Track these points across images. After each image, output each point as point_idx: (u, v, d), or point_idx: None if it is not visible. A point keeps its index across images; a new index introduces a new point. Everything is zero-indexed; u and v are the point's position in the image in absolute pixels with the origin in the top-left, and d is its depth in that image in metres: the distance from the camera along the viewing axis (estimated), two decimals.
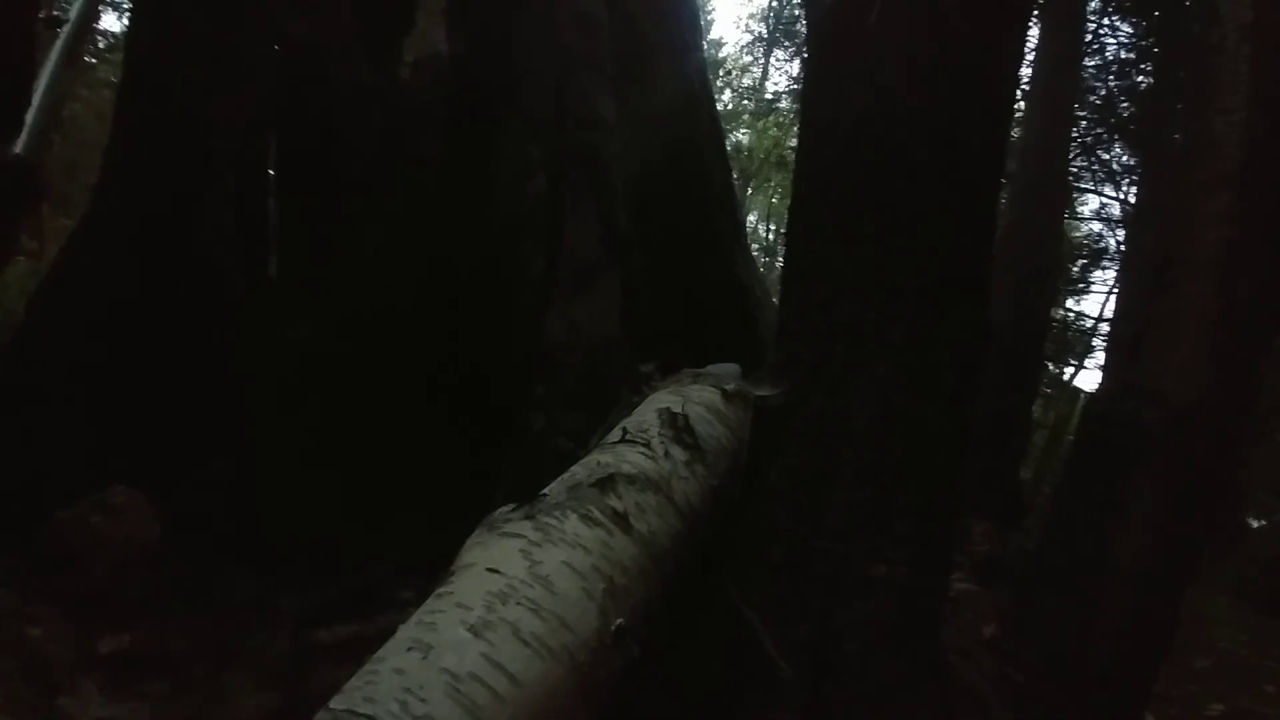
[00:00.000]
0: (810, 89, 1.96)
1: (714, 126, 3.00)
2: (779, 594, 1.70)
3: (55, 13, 6.29)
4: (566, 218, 2.29)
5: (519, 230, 2.46)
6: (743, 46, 13.26)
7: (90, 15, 6.67)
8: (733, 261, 2.77)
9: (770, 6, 12.43)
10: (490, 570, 1.06)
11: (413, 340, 2.55)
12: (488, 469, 2.22)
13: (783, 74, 12.57)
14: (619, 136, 2.39)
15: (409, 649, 0.93)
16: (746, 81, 13.11)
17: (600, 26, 2.43)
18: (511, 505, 1.22)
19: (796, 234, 1.90)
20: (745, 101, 12.85)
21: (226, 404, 2.52)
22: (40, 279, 2.87)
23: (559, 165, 2.39)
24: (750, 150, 11.36)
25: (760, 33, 12.65)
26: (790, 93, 11.69)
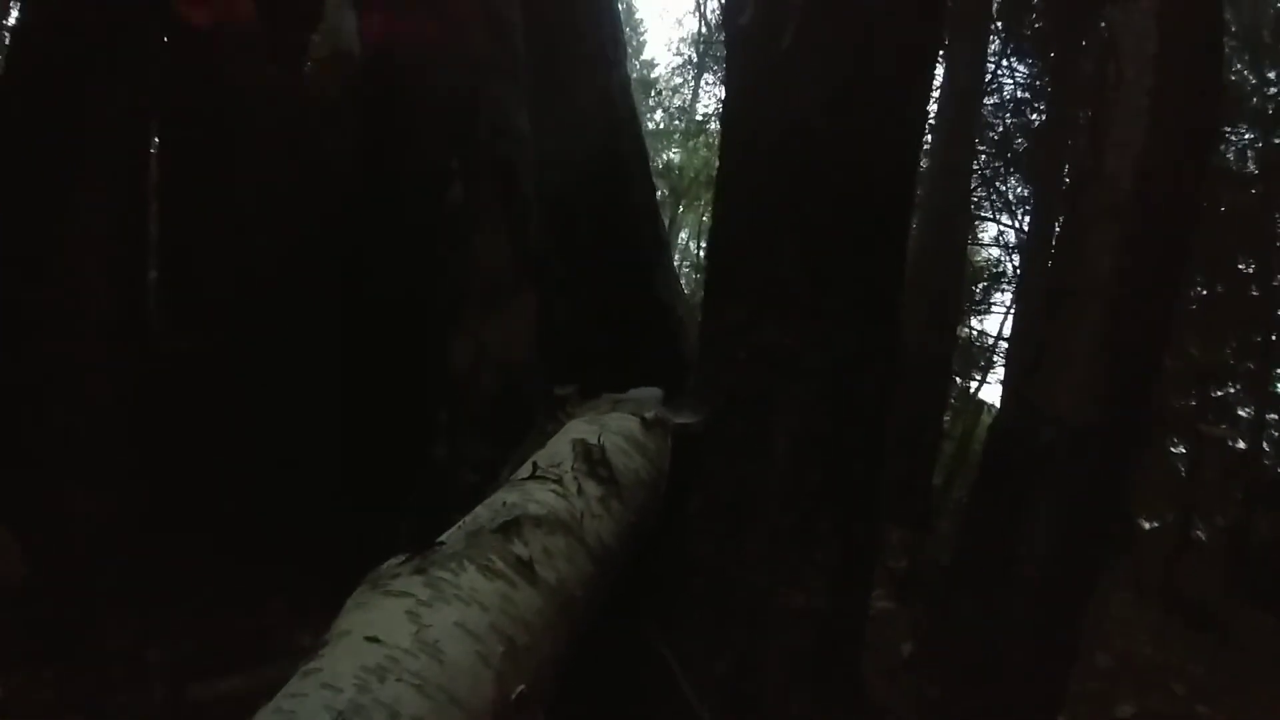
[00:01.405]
0: (729, 110, 1.94)
1: (637, 143, 2.95)
2: (699, 629, 1.64)
3: None
4: (476, 232, 2.16)
5: (433, 242, 2.31)
6: (674, 69, 13.50)
7: None
8: (654, 280, 2.71)
9: (700, 31, 12.71)
10: (369, 639, 0.93)
11: (314, 356, 2.34)
12: (393, 499, 2.05)
13: (712, 96, 12.86)
14: (533, 148, 2.29)
15: None
16: (677, 102, 13.32)
17: (514, 34, 2.33)
18: (400, 557, 1.09)
19: (716, 256, 1.87)
20: (676, 121, 13.05)
21: (96, 427, 2.24)
22: None
23: (470, 175, 2.27)
24: (681, 169, 11.53)
25: (691, 56, 12.91)
26: (719, 114, 11.93)
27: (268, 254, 2.42)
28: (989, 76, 7.00)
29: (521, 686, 0.99)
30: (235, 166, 2.47)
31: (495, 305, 2.10)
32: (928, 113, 1.90)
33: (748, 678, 1.59)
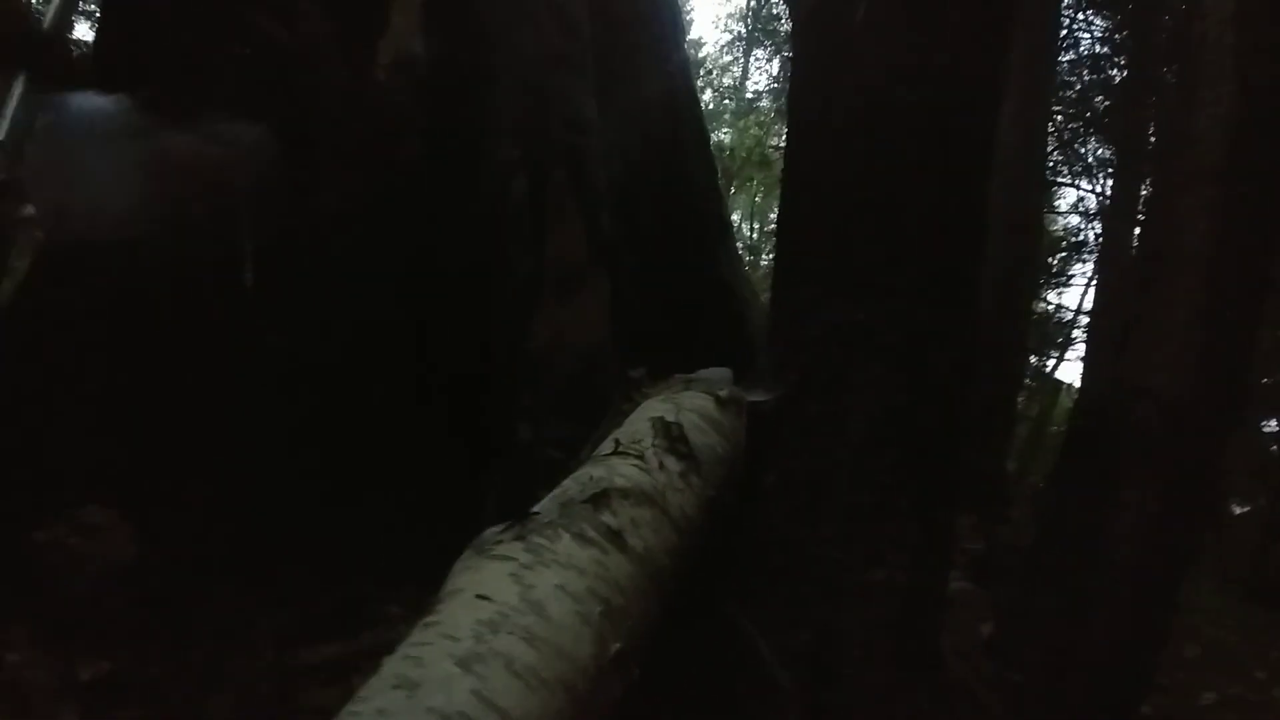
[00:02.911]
0: (797, 88, 1.93)
1: (698, 126, 2.96)
2: (777, 602, 1.67)
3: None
4: (551, 221, 2.23)
5: (502, 233, 2.40)
6: (722, 46, 13.26)
7: (63, 26, 6.46)
8: (719, 261, 2.73)
9: (749, 6, 12.44)
10: (479, 597, 1.01)
11: (394, 347, 2.48)
12: (474, 478, 2.16)
13: (763, 73, 12.58)
14: (602, 137, 2.34)
15: (394, 686, 0.87)
16: (727, 81, 13.11)
17: (581, 25, 2.38)
18: (501, 525, 1.17)
19: (786, 235, 1.87)
20: (726, 101, 12.86)
21: (203, 417, 2.43)
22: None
23: (542, 167, 2.33)
24: (732, 149, 11.38)
25: (740, 32, 12.65)
26: (771, 92, 11.70)
27: (350, 252, 2.56)
28: (1064, 32, 6.60)
29: (618, 644, 1.05)
30: (313, 171, 2.62)
31: (571, 291, 2.17)
32: (1004, 75, 1.84)
33: (827, 650, 1.61)
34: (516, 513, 1.21)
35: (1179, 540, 2.04)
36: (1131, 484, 1.95)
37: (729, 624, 1.62)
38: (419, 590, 1.12)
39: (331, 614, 2.11)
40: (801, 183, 1.84)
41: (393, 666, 0.91)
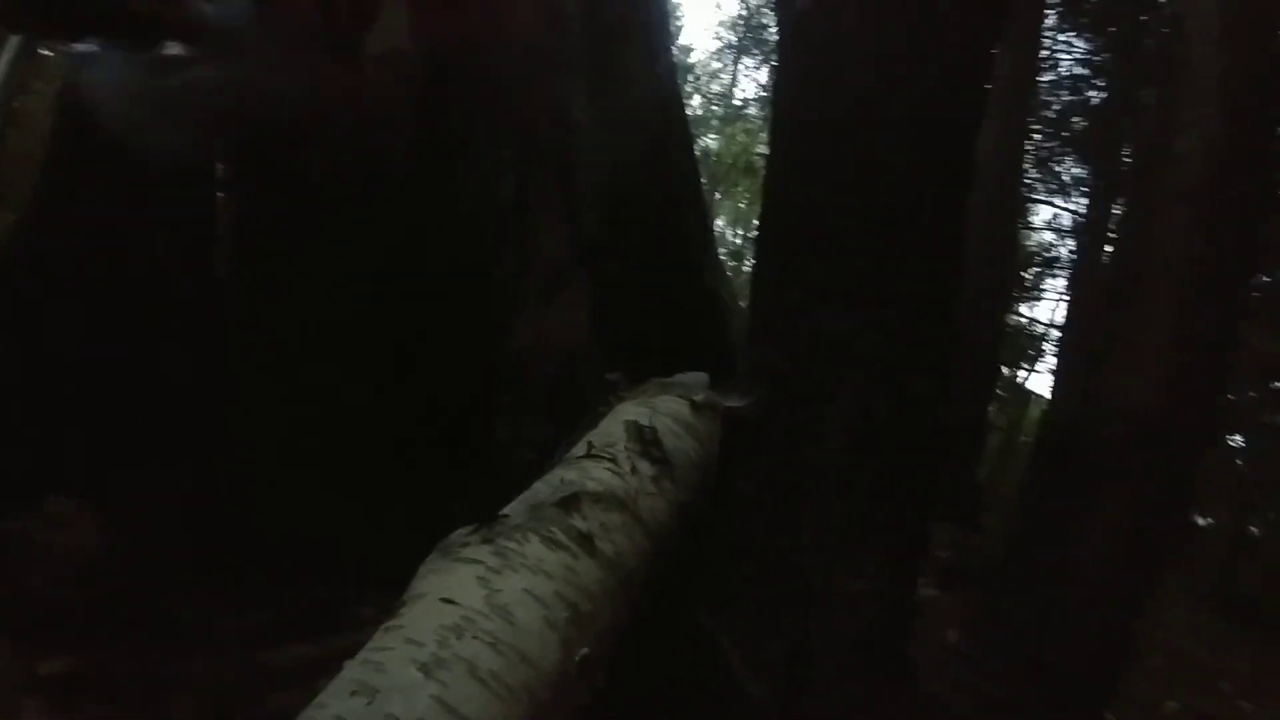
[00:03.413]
0: (783, 93, 1.93)
1: (684, 130, 2.95)
2: (750, 610, 1.66)
3: None
4: (536, 222, 2.21)
5: (488, 232, 2.37)
6: (712, 53, 13.33)
7: None
8: (702, 267, 2.72)
9: (740, 14, 12.53)
10: (444, 600, 0.99)
11: (372, 345, 2.44)
12: (451, 479, 2.12)
13: (751, 81, 12.67)
14: (590, 138, 2.32)
15: (353, 693, 0.85)
16: (715, 88, 13.18)
17: (570, 24, 2.36)
18: (469, 527, 1.15)
19: (768, 241, 1.87)
20: (714, 107, 12.92)
21: (171, 409, 2.37)
22: None
23: (529, 168, 2.31)
24: (719, 155, 11.43)
25: (730, 40, 12.73)
26: (759, 100, 11.79)
27: (330, 246, 2.51)
28: (1045, 53, 6.73)
29: (585, 650, 1.04)
30: (295, 163, 2.57)
31: (553, 292, 2.15)
32: (988, 90, 1.86)
33: (799, 659, 1.61)
34: (484, 514, 1.19)
35: (1149, 555, 2.07)
36: (1103, 498, 1.98)
37: (700, 632, 1.61)
38: (391, 591, 1.09)
39: (301, 615, 2.07)
40: (785, 188, 1.84)
41: (352, 672, 0.89)
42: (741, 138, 11.48)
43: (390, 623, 0.98)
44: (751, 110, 12.07)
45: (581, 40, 2.42)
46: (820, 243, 1.70)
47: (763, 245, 1.91)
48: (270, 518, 2.20)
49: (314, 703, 0.86)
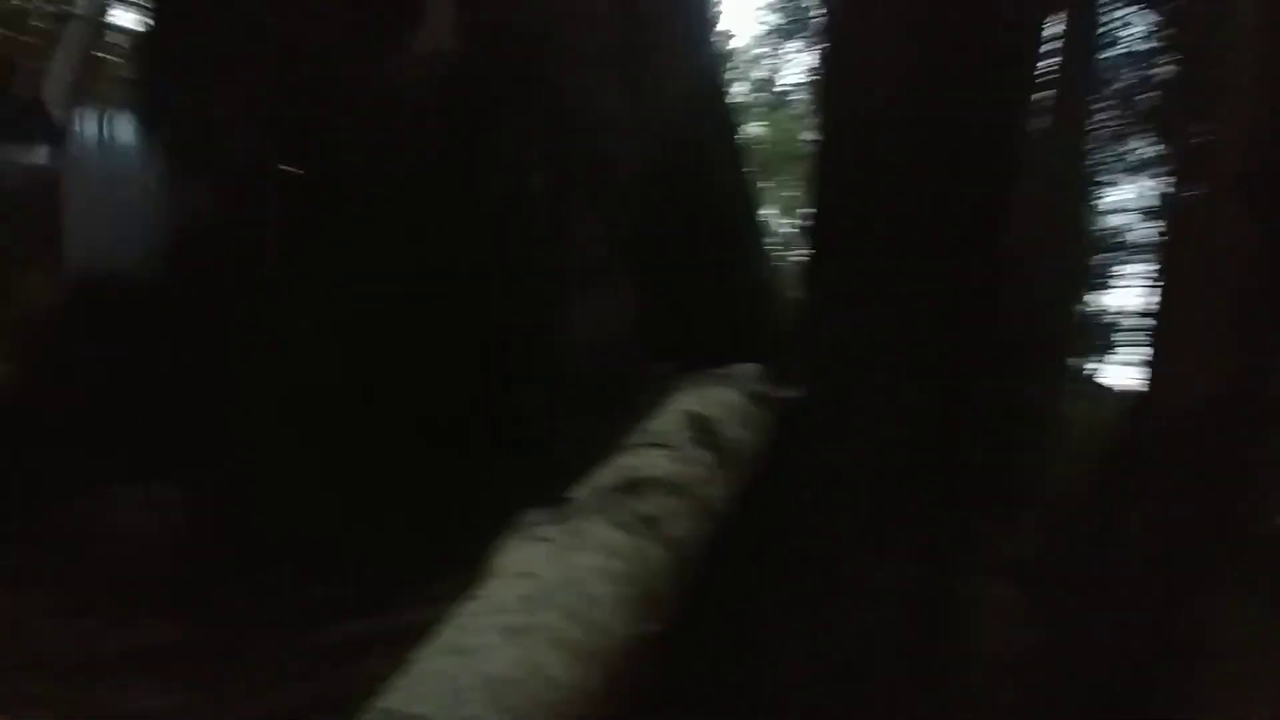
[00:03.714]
0: (826, 86, 1.95)
1: (727, 122, 2.98)
2: (792, 600, 1.71)
3: (64, 7, 6.40)
4: (570, 217, 2.29)
5: (521, 229, 2.46)
6: (755, 39, 13.11)
7: (102, 11, 6.74)
8: (749, 259, 2.76)
9: None
10: (523, 574, 1.08)
11: (415, 337, 2.55)
12: (494, 470, 2.23)
13: (796, 65, 12.42)
14: (625, 133, 2.38)
15: (447, 652, 0.95)
16: (759, 74, 12.96)
17: (603, 22, 2.42)
18: (539, 509, 1.24)
19: (813, 235, 1.91)
20: (759, 94, 12.72)
21: (232, 401, 2.55)
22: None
23: (562, 164, 2.39)
24: (766, 143, 11.25)
25: (773, 24, 12.49)
26: (804, 85, 11.56)
27: (372, 244, 2.64)
28: (1103, 28, 6.43)
29: (652, 625, 1.12)
30: (338, 165, 2.71)
31: (592, 287, 2.22)
32: (1036, 76, 1.84)
33: (839, 651, 1.65)
34: (553, 497, 1.28)
35: (1212, 549, 2.01)
36: (1166, 489, 1.94)
37: (745, 619, 1.67)
38: (435, 577, 1.18)
39: (354, 597, 2.21)
40: (828, 182, 1.88)
41: (444, 635, 0.99)
42: (788, 124, 11.28)
43: (474, 591, 1.08)
44: (797, 96, 11.84)
45: (615, 33, 2.47)
46: (845, 233, 1.73)
47: (810, 237, 1.94)
48: (326, 504, 2.35)
49: (412, 658, 0.96)
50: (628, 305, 2.36)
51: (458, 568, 1.21)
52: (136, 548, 2.40)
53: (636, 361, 2.16)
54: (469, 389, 2.37)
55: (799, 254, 1.98)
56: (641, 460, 1.40)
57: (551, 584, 1.07)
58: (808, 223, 1.93)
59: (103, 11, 6.70)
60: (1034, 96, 1.83)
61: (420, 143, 2.58)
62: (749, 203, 3.03)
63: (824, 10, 1.98)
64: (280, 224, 2.85)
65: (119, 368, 2.53)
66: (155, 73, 2.72)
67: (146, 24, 3.09)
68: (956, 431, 1.73)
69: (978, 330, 1.74)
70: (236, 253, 2.71)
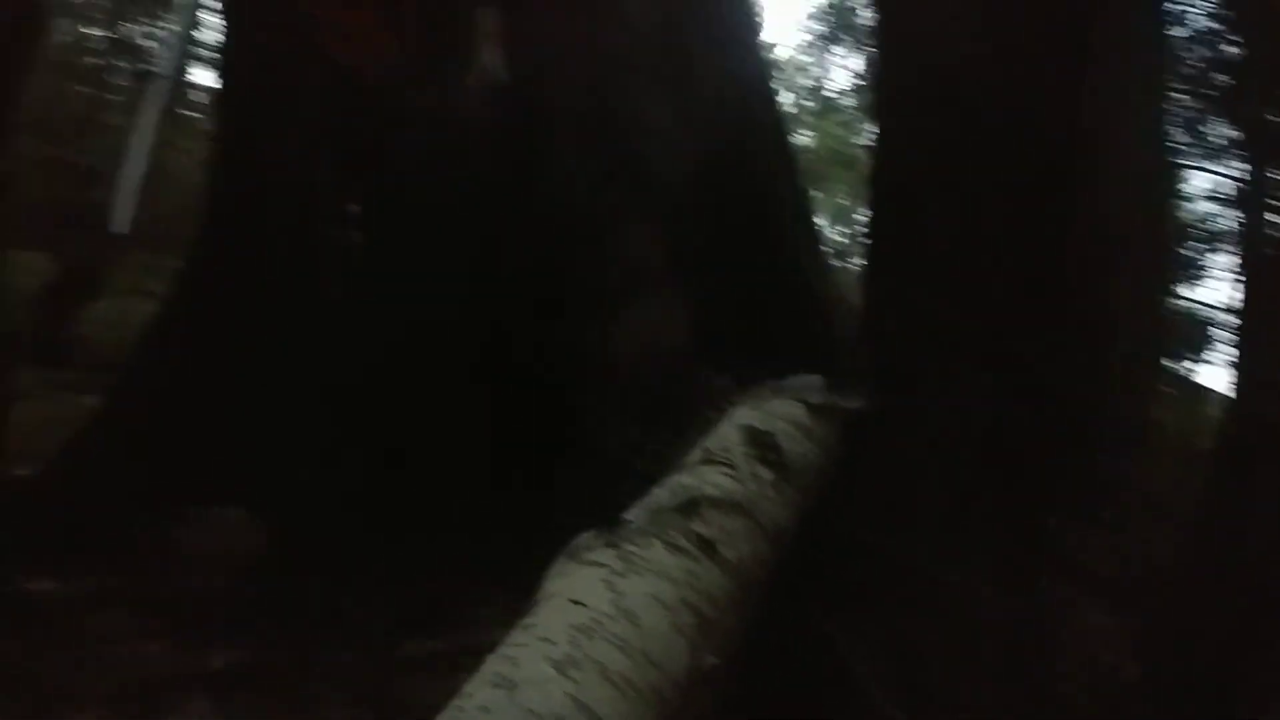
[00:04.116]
0: (882, 79, 1.86)
1: (776, 127, 2.91)
2: (864, 612, 1.60)
3: (144, 67, 6.94)
4: (619, 225, 2.26)
5: (569, 238, 2.45)
6: (800, 46, 13.03)
7: (181, 70, 7.29)
8: (803, 267, 2.66)
9: (828, 3, 12.17)
10: (574, 602, 1.02)
11: (471, 350, 2.57)
12: (549, 484, 2.20)
13: (844, 71, 12.24)
14: (677, 144, 2.34)
15: (494, 685, 0.90)
16: (806, 81, 12.84)
17: (647, 32, 2.40)
18: (593, 531, 1.18)
19: (875, 232, 1.81)
20: (806, 101, 12.58)
21: (308, 420, 2.62)
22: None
23: (609, 173, 2.37)
24: (815, 150, 11.09)
25: (818, 31, 12.38)
26: (853, 90, 11.37)
27: (431, 261, 2.69)
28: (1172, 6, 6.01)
29: (711, 657, 1.04)
30: (398, 185, 2.78)
31: (644, 296, 2.18)
32: (1108, 55, 1.70)
33: (915, 663, 1.53)
34: (607, 518, 1.22)
35: None
36: (1259, 501, 1.73)
37: (817, 634, 1.56)
38: (504, 588, 1.15)
39: (423, 612, 2.21)
40: (888, 179, 1.78)
41: (493, 665, 0.94)
42: (837, 130, 11.10)
43: (525, 620, 1.03)
44: (846, 101, 11.66)
45: (664, 46, 2.45)
46: (912, 223, 1.63)
47: (870, 238, 1.84)
48: (391, 521, 2.37)
49: (461, 692, 0.91)
50: (683, 316, 2.30)
51: (512, 585, 1.18)
52: (204, 570, 2.48)
53: (693, 374, 2.09)
54: (524, 402, 2.36)
55: (857, 258, 1.87)
56: (699, 479, 1.33)
57: (603, 613, 1.00)
58: (869, 219, 1.84)
59: (182, 69, 7.25)
60: (1108, 76, 1.68)
61: (475, 162, 2.62)
62: (803, 210, 2.93)
63: (876, 6, 1.90)
64: (345, 246, 2.96)
65: (191, 389, 2.64)
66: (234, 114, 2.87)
67: (221, 68, 3.27)
68: (1041, 437, 1.59)
69: (1059, 327, 1.60)
70: (304, 274, 2.81)
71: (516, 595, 1.12)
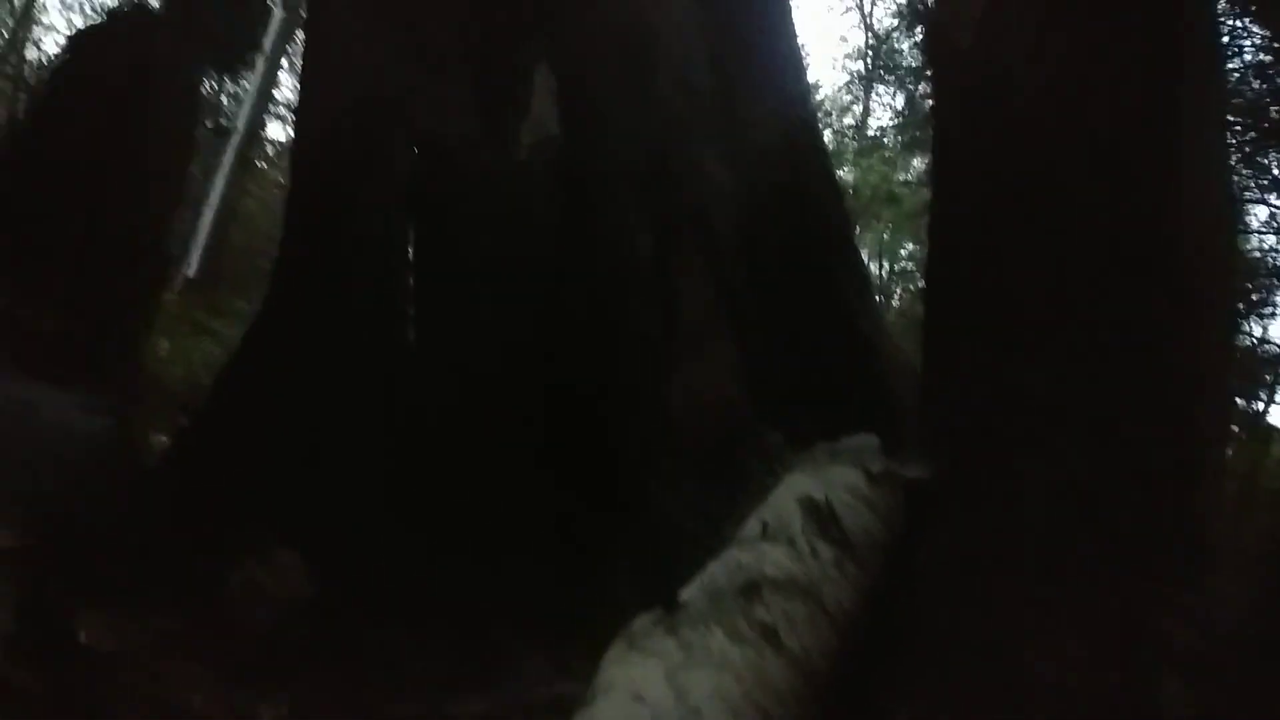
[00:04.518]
0: (945, 134, 1.81)
1: (826, 175, 2.89)
2: (936, 699, 1.49)
3: (222, 122, 7.41)
4: (678, 281, 2.25)
5: (626, 290, 2.45)
6: (840, 87, 13.12)
7: (257, 124, 7.78)
8: (856, 315, 2.60)
9: (869, 43, 12.24)
10: (635, 698, 0.97)
11: (527, 399, 2.58)
12: (601, 537, 2.16)
13: (885, 109, 12.25)
14: (727, 196, 2.34)
15: None
16: (848, 121, 12.88)
17: (702, 87, 2.44)
18: (650, 614, 1.14)
19: (939, 290, 1.74)
20: (848, 140, 12.60)
21: (372, 466, 2.65)
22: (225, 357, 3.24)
23: (668, 226, 2.38)
24: (856, 188, 11.05)
25: (858, 71, 12.46)
26: (895, 127, 11.34)
27: (492, 312, 2.73)
28: (1226, 39, 5.81)
29: None
30: (464, 239, 2.86)
31: (702, 350, 2.15)
32: (1189, 99, 1.63)
33: None
34: (664, 597, 1.18)
35: None
36: None
37: None
38: (554, 645, 1.10)
39: (477, 664, 2.18)
40: (955, 236, 1.71)
41: None
42: (880, 167, 11.04)
43: (582, 713, 0.98)
44: (888, 139, 11.62)
45: (712, 97, 2.47)
46: (1000, 290, 1.55)
47: (934, 295, 1.78)
48: (448, 572, 2.36)
49: None
50: (738, 371, 2.26)
51: (561, 641, 1.13)
52: (258, 613, 2.50)
53: (746, 430, 2.04)
54: (577, 458, 2.34)
55: (926, 312, 1.80)
56: (758, 556, 1.27)
57: (662, 709, 0.95)
58: (929, 274, 1.77)
59: (261, 123, 7.73)
60: (1194, 113, 1.60)
61: (533, 217, 2.68)
62: (854, 256, 2.89)
63: (935, 61, 1.86)
64: (411, 296, 3.04)
65: (259, 433, 2.71)
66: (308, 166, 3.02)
67: (299, 125, 3.46)
68: (1138, 504, 1.48)
69: (1154, 387, 1.50)
70: (370, 325, 2.89)
71: (565, 651, 1.07)
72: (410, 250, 3.10)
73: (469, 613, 2.29)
